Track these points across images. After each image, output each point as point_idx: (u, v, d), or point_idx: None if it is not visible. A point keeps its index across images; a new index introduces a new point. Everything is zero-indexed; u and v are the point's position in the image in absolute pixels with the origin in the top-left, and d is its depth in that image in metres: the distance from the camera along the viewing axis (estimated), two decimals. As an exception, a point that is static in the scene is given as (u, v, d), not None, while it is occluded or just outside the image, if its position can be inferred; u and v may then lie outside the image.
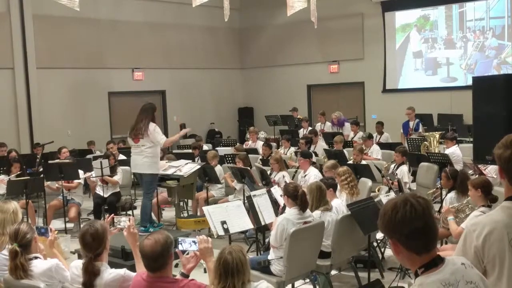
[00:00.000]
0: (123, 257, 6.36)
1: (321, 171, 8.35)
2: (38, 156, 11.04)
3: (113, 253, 5.65)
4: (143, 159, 7.79)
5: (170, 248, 3.46)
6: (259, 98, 18.85)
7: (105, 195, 9.12)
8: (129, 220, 4.15)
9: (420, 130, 12.85)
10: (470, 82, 6.36)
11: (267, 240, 6.12)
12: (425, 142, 10.61)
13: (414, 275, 2.14)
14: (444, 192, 6.92)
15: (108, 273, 3.70)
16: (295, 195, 5.33)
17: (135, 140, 7.86)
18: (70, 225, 8.92)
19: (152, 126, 7.78)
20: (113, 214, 4.56)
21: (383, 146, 11.45)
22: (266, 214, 6.04)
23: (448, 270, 2.11)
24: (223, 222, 5.62)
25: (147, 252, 3.44)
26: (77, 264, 3.83)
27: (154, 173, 7.93)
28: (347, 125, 13.96)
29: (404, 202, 2.09)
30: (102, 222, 3.88)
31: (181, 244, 3.76)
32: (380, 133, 12.89)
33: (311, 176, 8.04)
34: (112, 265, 3.97)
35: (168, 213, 9.91)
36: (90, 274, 3.64)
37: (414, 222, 2.06)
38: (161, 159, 9.28)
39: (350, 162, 9.16)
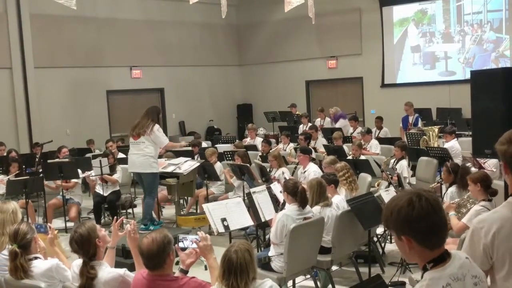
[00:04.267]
0: (123, 255, 6.37)
1: (320, 167, 8.35)
2: (37, 156, 11.05)
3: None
4: (143, 158, 7.74)
5: (167, 247, 3.45)
6: (257, 94, 18.84)
7: (105, 194, 9.10)
8: (131, 224, 4.13)
9: (419, 124, 12.85)
10: (468, 76, 6.34)
11: (267, 236, 6.12)
12: (424, 137, 10.61)
13: (422, 269, 2.13)
14: (444, 187, 6.93)
15: (107, 272, 3.69)
16: (294, 192, 5.33)
17: (135, 137, 7.82)
18: (70, 224, 8.91)
19: (156, 126, 7.81)
20: (122, 218, 4.54)
21: (382, 141, 11.45)
22: (266, 211, 6.04)
23: (456, 264, 2.12)
24: (223, 219, 5.62)
25: (144, 250, 3.45)
26: (78, 263, 3.81)
27: (155, 172, 7.91)
28: (342, 121, 13.95)
29: (419, 197, 2.05)
30: (89, 225, 3.82)
31: (182, 242, 3.75)
32: (380, 128, 12.89)
33: (311, 172, 8.04)
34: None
35: (168, 211, 9.91)
36: (87, 278, 3.64)
37: (432, 217, 2.03)
38: (161, 157, 9.29)
39: (350, 157, 9.16)
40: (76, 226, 3.90)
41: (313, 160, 8.85)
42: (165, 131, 16.40)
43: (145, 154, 7.74)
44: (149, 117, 7.85)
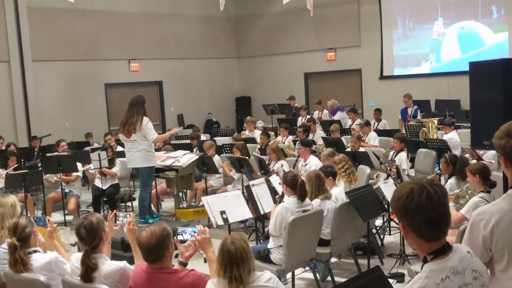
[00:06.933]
0: (122, 248, 6.39)
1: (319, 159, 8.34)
2: (36, 149, 11.04)
3: (112, 244, 5.65)
4: (138, 153, 7.69)
5: (166, 240, 3.46)
6: (256, 87, 18.81)
7: (104, 187, 9.10)
8: (129, 216, 4.14)
9: (418, 116, 12.85)
10: (467, 67, 6.33)
11: (266, 229, 6.13)
12: (424, 128, 10.60)
13: (422, 261, 2.14)
14: (443, 178, 6.94)
15: (108, 265, 3.71)
16: (294, 184, 5.33)
17: (127, 135, 7.75)
18: (69, 218, 8.92)
19: (145, 120, 7.66)
20: (115, 211, 4.55)
21: (381, 133, 11.44)
22: (265, 203, 6.04)
23: (456, 257, 2.12)
24: (222, 212, 5.62)
25: (143, 244, 3.46)
26: (78, 256, 3.83)
27: (151, 166, 7.89)
28: (340, 114, 13.92)
29: (421, 189, 2.05)
30: (98, 215, 3.87)
31: (181, 235, 3.76)
32: (378, 120, 12.89)
33: (312, 165, 7.99)
34: (112, 256, 3.98)
35: (167, 204, 9.93)
36: (87, 267, 3.64)
37: (428, 212, 2.04)
38: (160, 150, 9.28)
39: (348, 149, 9.16)
40: (85, 215, 3.91)
41: (313, 152, 8.82)
42: (163, 124, 16.51)
43: (141, 149, 7.68)
44: (135, 111, 7.69)
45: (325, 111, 14.47)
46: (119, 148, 10.79)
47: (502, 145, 2.51)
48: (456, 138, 9.61)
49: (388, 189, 5.99)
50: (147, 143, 7.72)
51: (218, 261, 3.29)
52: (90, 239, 3.71)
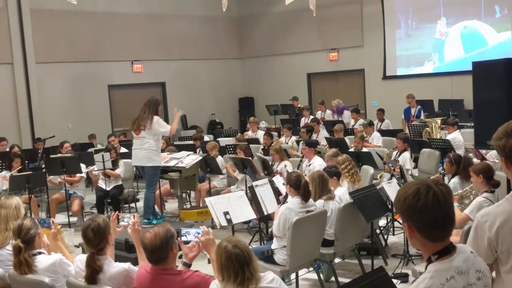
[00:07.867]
0: (126, 250, 6.38)
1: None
2: (39, 151, 11.05)
3: (116, 245, 5.66)
4: (144, 151, 7.80)
5: (170, 242, 3.46)
6: (259, 87, 18.80)
7: (108, 189, 9.12)
8: (134, 217, 4.15)
9: (422, 116, 12.84)
10: (470, 67, 6.33)
11: (270, 229, 6.13)
12: (427, 128, 10.59)
13: (426, 261, 2.14)
14: (446, 178, 6.93)
15: (112, 267, 3.71)
16: (297, 185, 5.33)
17: (137, 132, 7.89)
18: (73, 219, 8.94)
19: (156, 118, 7.82)
20: (117, 212, 4.55)
21: (384, 133, 11.43)
22: (269, 204, 6.04)
23: (460, 257, 2.13)
24: (226, 213, 5.63)
25: (147, 245, 3.46)
26: (82, 258, 3.84)
27: (156, 166, 7.93)
28: (347, 113, 13.94)
29: (427, 190, 2.05)
30: (104, 217, 3.88)
31: (185, 236, 3.76)
32: (381, 120, 12.87)
33: (316, 166, 8.00)
34: (116, 257, 3.99)
35: (171, 205, 9.93)
36: (92, 269, 3.65)
37: (435, 212, 2.04)
38: (163, 151, 9.30)
39: (352, 150, 9.15)
40: (92, 216, 3.91)
41: (318, 153, 8.82)
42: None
43: (146, 148, 7.81)
44: (148, 109, 7.85)
45: (328, 111, 14.46)
46: (123, 150, 10.81)
47: (502, 146, 2.50)
48: (460, 138, 9.60)
49: (391, 189, 5.98)
50: (153, 143, 7.81)
51: (225, 269, 3.18)
52: (97, 241, 3.71)
